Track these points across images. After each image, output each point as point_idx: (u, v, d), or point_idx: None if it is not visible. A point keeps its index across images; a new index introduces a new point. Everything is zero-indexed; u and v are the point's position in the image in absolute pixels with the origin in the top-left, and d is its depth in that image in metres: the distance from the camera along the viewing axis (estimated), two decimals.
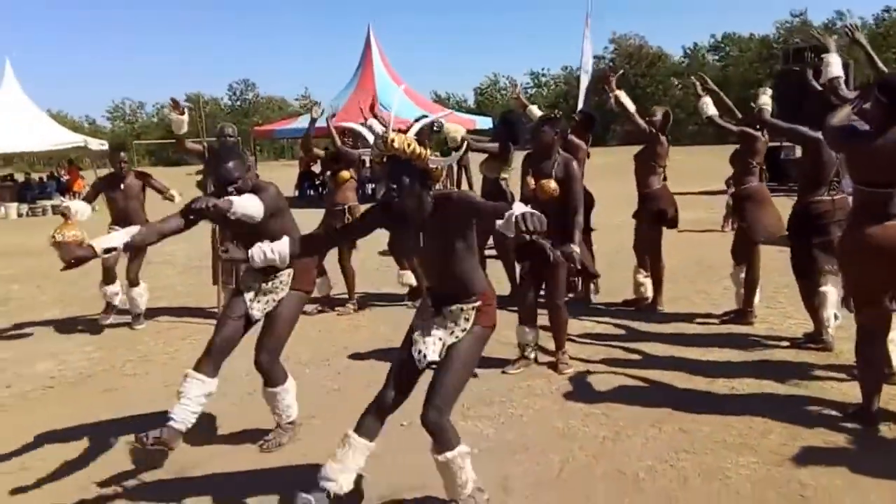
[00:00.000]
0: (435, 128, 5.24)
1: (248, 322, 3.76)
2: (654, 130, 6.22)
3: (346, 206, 6.81)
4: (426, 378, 3.00)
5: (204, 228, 3.87)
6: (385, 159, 2.84)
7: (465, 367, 2.94)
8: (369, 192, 17.71)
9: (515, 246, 5.29)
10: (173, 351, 5.92)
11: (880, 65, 4.28)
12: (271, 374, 3.81)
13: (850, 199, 4.29)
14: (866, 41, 4.41)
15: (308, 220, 6.26)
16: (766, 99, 5.29)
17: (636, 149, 6.53)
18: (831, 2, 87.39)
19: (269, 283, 3.77)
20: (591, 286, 6.78)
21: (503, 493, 3.31)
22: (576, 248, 4.67)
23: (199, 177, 7.31)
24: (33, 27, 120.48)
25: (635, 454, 3.64)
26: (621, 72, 7.37)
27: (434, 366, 2.96)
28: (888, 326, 3.89)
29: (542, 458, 3.63)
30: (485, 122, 23.17)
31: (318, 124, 6.96)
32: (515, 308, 5.18)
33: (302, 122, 7.46)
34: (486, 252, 6.94)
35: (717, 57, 66.29)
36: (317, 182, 20.32)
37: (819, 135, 4.67)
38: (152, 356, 5.81)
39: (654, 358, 5.15)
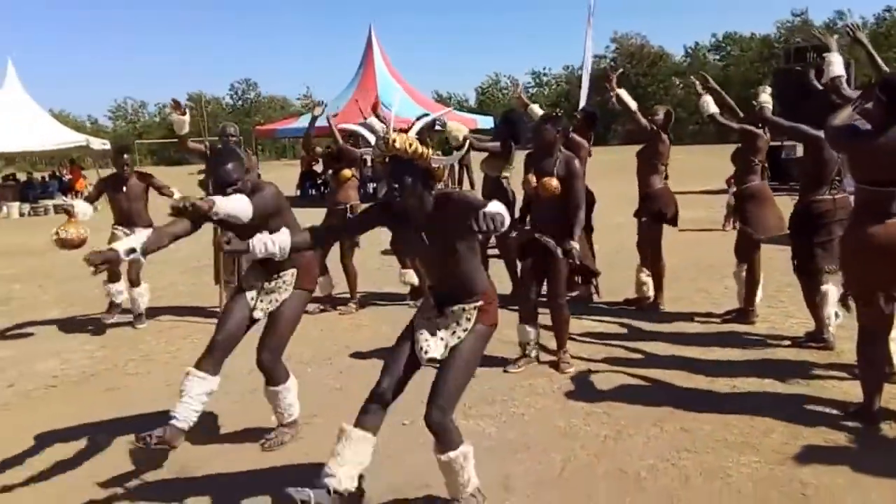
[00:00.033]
0: (437, 126, 5.24)
1: (251, 320, 3.77)
2: (655, 129, 6.23)
3: (347, 205, 6.81)
4: (427, 377, 3.00)
5: (206, 228, 3.87)
6: (387, 159, 2.84)
7: (467, 366, 2.94)
8: (371, 190, 17.73)
9: (517, 244, 5.29)
10: (175, 350, 5.93)
11: (881, 64, 4.28)
12: (273, 373, 3.82)
13: (852, 198, 4.29)
14: (867, 40, 4.41)
15: (310, 219, 6.22)
16: (766, 97, 5.30)
17: (638, 148, 6.54)
18: (832, 1, 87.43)
19: (273, 283, 3.77)
20: (592, 286, 6.78)
21: (505, 491, 3.31)
22: (575, 245, 4.68)
23: (201, 176, 7.31)
24: (35, 27, 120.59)
25: (637, 453, 3.64)
26: (621, 70, 7.37)
27: (434, 364, 2.96)
28: (890, 325, 3.88)
29: (543, 457, 3.64)
30: (486, 122, 23.18)
31: (319, 123, 6.96)
32: (517, 307, 5.18)
33: (303, 122, 7.47)
34: (489, 252, 6.95)
35: (718, 56, 66.30)
36: (318, 181, 20.32)
37: (820, 133, 4.67)
38: (154, 355, 5.82)
39: (655, 357, 5.16)
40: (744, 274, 5.89)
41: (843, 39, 5.18)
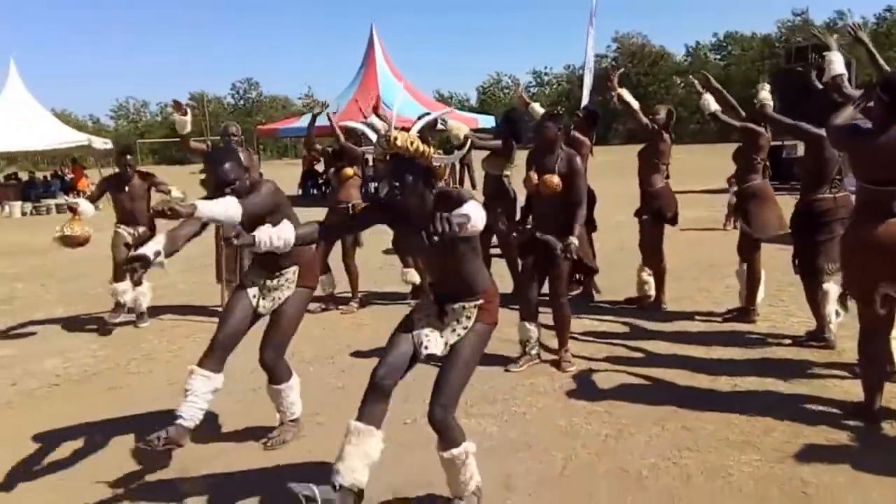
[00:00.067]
0: (439, 125, 5.25)
1: (252, 318, 3.77)
2: (656, 128, 6.23)
3: (349, 204, 6.81)
4: (428, 377, 3.01)
5: (208, 227, 3.88)
6: (388, 157, 2.83)
7: (468, 364, 2.94)
8: (373, 190, 17.73)
9: (519, 242, 5.30)
10: (177, 349, 5.94)
11: (882, 63, 4.28)
12: (276, 372, 3.82)
13: (853, 196, 4.29)
14: (869, 40, 4.41)
15: (311, 218, 6.24)
16: (765, 94, 5.30)
17: (639, 147, 6.54)
18: (833, 1, 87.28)
19: (275, 281, 3.78)
20: (592, 286, 6.80)
21: (506, 490, 3.32)
22: (574, 241, 4.68)
23: (203, 176, 7.32)
24: (37, 27, 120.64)
25: (638, 452, 3.65)
26: (622, 70, 7.37)
27: (433, 361, 2.97)
28: (890, 324, 3.89)
29: (545, 456, 3.65)
30: (487, 121, 23.16)
31: (320, 122, 6.96)
32: (518, 306, 5.19)
33: (305, 121, 7.49)
34: (491, 251, 6.96)
35: (719, 56, 66.28)
36: (320, 181, 20.33)
37: (822, 132, 4.67)
38: (156, 354, 5.83)
39: (656, 356, 5.16)
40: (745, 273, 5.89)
41: (844, 39, 5.18)
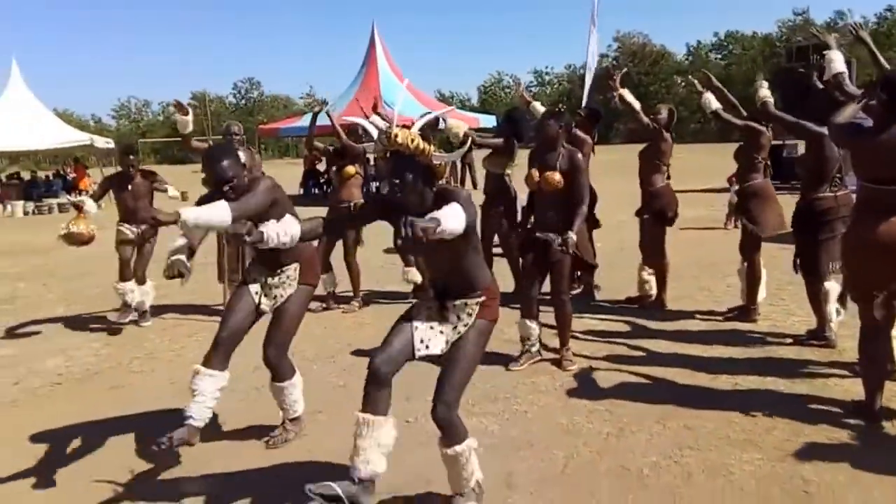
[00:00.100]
0: (440, 125, 5.26)
1: (255, 316, 3.77)
2: (658, 127, 6.23)
3: (351, 203, 6.78)
4: (430, 374, 3.02)
5: None
6: (388, 155, 2.83)
7: (470, 361, 2.95)
8: (374, 189, 17.74)
9: (520, 241, 5.31)
10: (179, 348, 5.95)
11: (884, 62, 4.28)
12: (279, 369, 3.83)
13: (854, 195, 4.30)
14: (870, 39, 4.42)
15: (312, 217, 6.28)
16: (765, 91, 5.30)
17: (639, 147, 6.55)
18: (833, 0, 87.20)
19: (276, 278, 3.77)
20: (592, 283, 6.80)
21: (508, 489, 3.33)
22: (572, 236, 4.69)
23: (205, 174, 7.33)
24: (39, 27, 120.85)
25: (639, 450, 3.66)
26: (624, 70, 7.37)
27: (430, 359, 2.97)
28: (891, 323, 3.89)
29: (546, 455, 3.65)
30: (488, 120, 23.15)
31: (321, 121, 6.95)
32: (519, 305, 5.19)
33: (306, 121, 7.50)
34: (493, 250, 6.97)
35: (720, 55, 66.32)
36: (321, 180, 20.36)
37: (823, 130, 4.68)
38: (158, 353, 5.84)
39: (657, 355, 5.17)
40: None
41: (845, 39, 5.19)
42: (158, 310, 6.99)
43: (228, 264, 6.74)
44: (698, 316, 6.17)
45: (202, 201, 3.67)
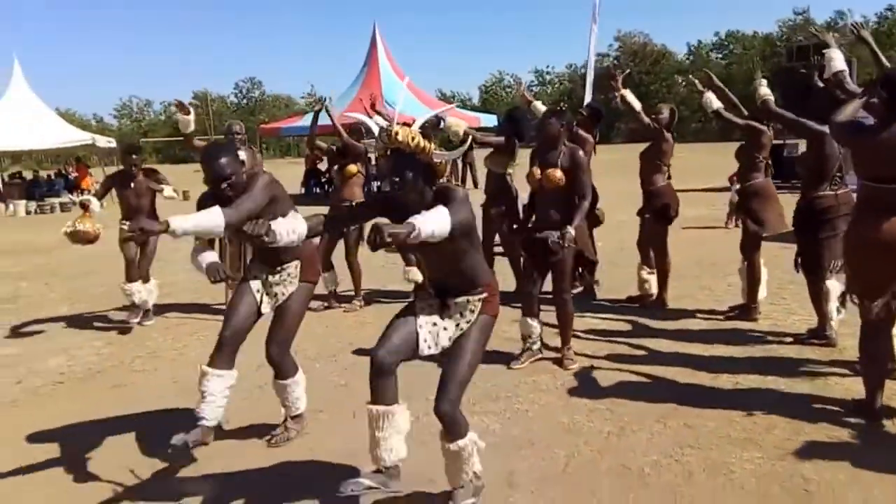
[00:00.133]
0: (441, 124, 5.26)
1: (257, 314, 3.77)
2: (659, 128, 6.23)
3: (352, 203, 6.81)
4: (429, 374, 3.02)
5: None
6: (389, 152, 2.83)
7: (473, 357, 2.95)
8: (375, 188, 17.74)
9: (521, 240, 5.31)
10: (182, 347, 5.96)
11: (885, 61, 4.29)
12: (282, 367, 3.84)
13: (854, 194, 4.30)
14: (871, 39, 4.42)
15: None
16: (765, 90, 5.30)
17: (640, 146, 6.55)
18: (834, 0, 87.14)
19: (277, 276, 3.77)
20: (593, 282, 6.80)
21: (509, 487, 3.34)
22: (570, 231, 4.69)
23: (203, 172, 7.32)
24: (41, 27, 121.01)
25: (640, 449, 3.66)
26: (627, 71, 7.38)
27: (432, 357, 2.98)
28: (892, 321, 3.89)
29: (547, 453, 3.66)
30: (490, 120, 23.16)
31: (322, 120, 6.95)
32: (521, 304, 5.20)
33: (308, 120, 7.50)
34: (494, 249, 6.98)
35: (720, 55, 66.34)
36: (323, 179, 20.36)
37: (824, 128, 4.68)
38: (161, 352, 5.85)
39: (658, 354, 5.18)
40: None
41: (845, 38, 5.19)
42: (161, 308, 7.01)
43: (230, 263, 6.74)
44: (699, 315, 6.17)
45: (202, 199, 3.67)
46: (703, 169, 18.60)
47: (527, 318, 5.04)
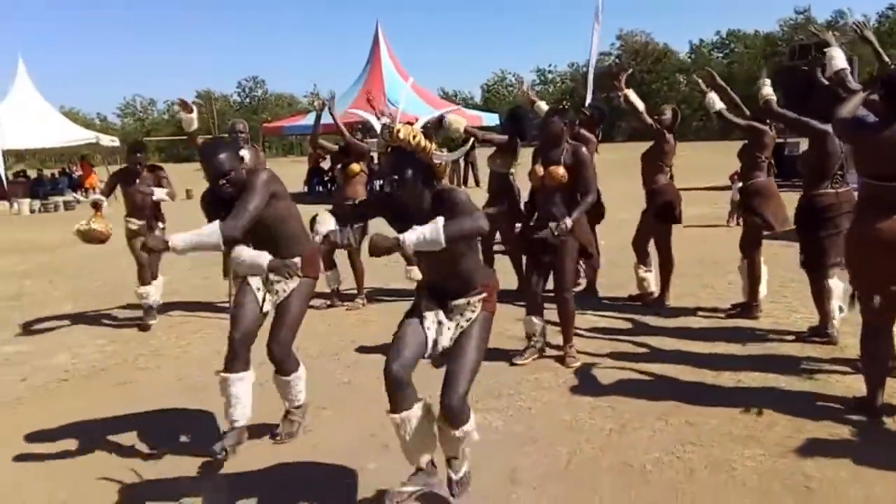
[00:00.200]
0: (443, 125, 5.26)
1: (263, 313, 3.78)
2: (660, 129, 6.24)
3: (355, 201, 6.81)
4: (429, 376, 3.03)
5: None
6: (389, 149, 2.83)
7: (478, 353, 2.95)
8: (377, 187, 17.75)
9: (522, 240, 5.32)
10: (185, 345, 5.98)
11: (888, 60, 4.30)
12: (285, 364, 3.84)
13: (855, 192, 4.31)
14: (874, 38, 4.43)
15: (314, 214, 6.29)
16: (768, 89, 5.30)
17: (641, 145, 6.56)
18: None
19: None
20: (595, 261, 6.79)
21: (511, 484, 3.34)
22: (568, 221, 4.71)
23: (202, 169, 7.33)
24: (46, 27, 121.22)
25: (642, 446, 3.67)
26: (630, 70, 7.38)
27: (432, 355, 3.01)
28: (893, 320, 3.90)
29: (549, 451, 3.67)
30: (491, 119, 23.15)
31: (324, 120, 6.95)
32: (523, 303, 5.21)
33: (311, 119, 7.48)
34: (494, 247, 7.00)
35: (722, 54, 66.34)
36: (326, 178, 20.37)
37: (826, 127, 4.69)
38: (164, 350, 5.87)
39: (660, 352, 5.19)
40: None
41: (846, 37, 5.20)
42: (165, 307, 7.01)
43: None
44: (701, 313, 6.18)
45: (204, 198, 3.69)
46: (705, 167, 18.59)
47: (531, 317, 5.05)
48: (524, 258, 5.55)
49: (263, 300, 3.77)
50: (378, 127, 2.84)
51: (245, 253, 3.61)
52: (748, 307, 5.94)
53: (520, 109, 6.72)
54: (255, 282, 3.79)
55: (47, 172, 27.70)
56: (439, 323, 2.99)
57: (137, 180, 6.53)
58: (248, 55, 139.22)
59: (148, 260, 6.55)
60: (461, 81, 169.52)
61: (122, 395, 4.83)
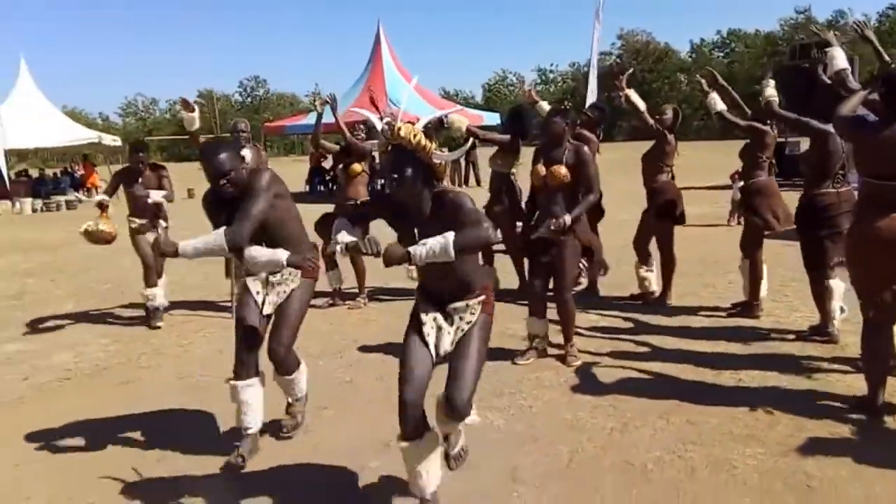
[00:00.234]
0: (444, 125, 5.27)
1: (262, 314, 3.77)
2: (661, 129, 6.23)
3: (357, 201, 6.83)
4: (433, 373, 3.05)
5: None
6: (389, 148, 2.83)
7: (480, 353, 2.95)
8: (379, 187, 17.76)
9: (523, 240, 5.33)
10: (187, 344, 5.99)
11: (888, 59, 4.30)
12: (285, 364, 3.84)
13: (856, 191, 4.31)
14: (875, 37, 4.43)
15: (319, 215, 6.31)
16: (771, 90, 5.31)
17: (642, 145, 6.56)
18: None
19: (279, 275, 3.77)
20: (598, 274, 6.80)
21: (513, 483, 3.35)
22: (567, 218, 4.71)
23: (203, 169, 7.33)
24: (48, 26, 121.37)
25: (643, 445, 3.68)
26: (631, 70, 7.38)
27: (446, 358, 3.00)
28: (894, 319, 3.91)
29: (551, 449, 3.68)
30: (492, 118, 23.15)
31: (325, 119, 6.96)
32: (524, 302, 5.21)
33: (312, 119, 7.47)
34: (494, 247, 6.99)
35: (722, 53, 66.38)
36: (327, 177, 20.37)
37: (827, 127, 4.70)
38: (166, 349, 5.88)
39: (661, 351, 5.19)
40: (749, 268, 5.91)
41: (847, 37, 5.21)
42: (167, 305, 7.01)
43: (235, 261, 6.75)
44: (702, 312, 6.18)
45: (206, 197, 3.70)
46: (706, 167, 18.56)
47: (533, 318, 5.06)
48: (525, 258, 5.55)
49: (263, 303, 3.76)
50: (379, 126, 2.84)
51: (260, 252, 3.61)
52: (749, 306, 5.95)
53: (521, 109, 6.72)
54: (255, 285, 3.79)
55: (49, 172, 27.72)
56: (438, 328, 2.98)
57: (140, 179, 6.53)
58: (250, 55, 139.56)
59: (154, 260, 6.55)
60: (462, 81, 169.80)
61: (125, 394, 4.84)
